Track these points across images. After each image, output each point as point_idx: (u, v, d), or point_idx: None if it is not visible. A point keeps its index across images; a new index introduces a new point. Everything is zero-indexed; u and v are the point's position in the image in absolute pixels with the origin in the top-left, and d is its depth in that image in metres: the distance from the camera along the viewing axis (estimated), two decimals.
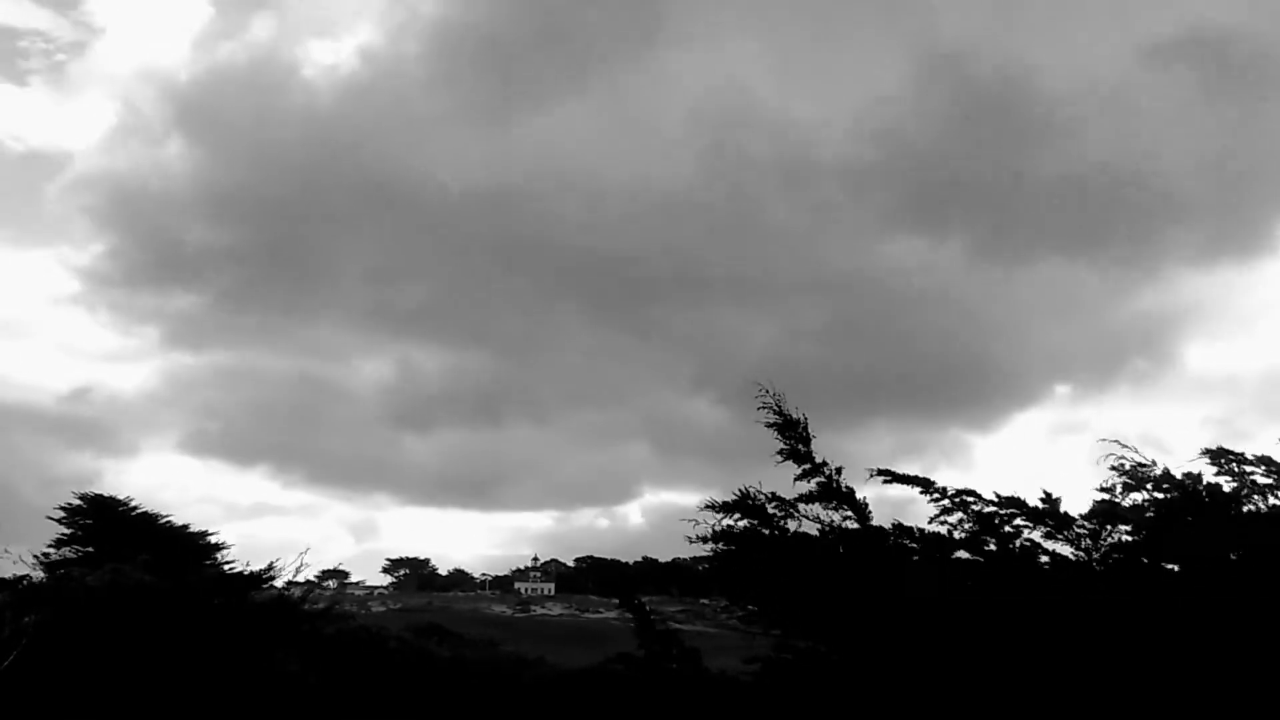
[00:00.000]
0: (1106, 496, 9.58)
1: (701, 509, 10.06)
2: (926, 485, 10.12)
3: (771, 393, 10.17)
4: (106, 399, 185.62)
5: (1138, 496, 9.53)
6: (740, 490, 9.99)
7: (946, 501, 10.04)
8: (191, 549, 20.15)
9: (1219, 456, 9.60)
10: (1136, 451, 9.64)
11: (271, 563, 18.07)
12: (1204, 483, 9.37)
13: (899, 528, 10.05)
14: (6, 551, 17.67)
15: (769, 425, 10.11)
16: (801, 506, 9.95)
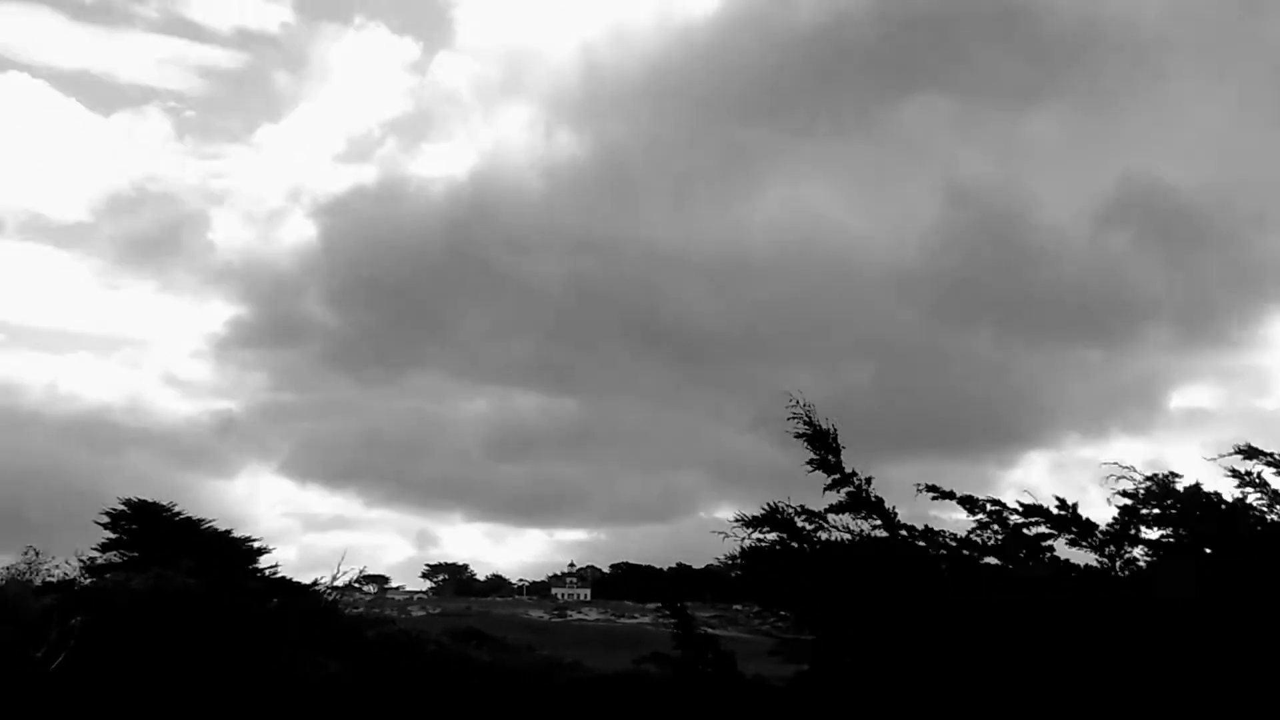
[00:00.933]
0: (1128, 502, 9.61)
1: (732, 523, 10.09)
2: (969, 502, 10.14)
3: (802, 404, 10.14)
4: (219, 429, 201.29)
5: (1152, 509, 9.57)
6: (768, 505, 9.98)
7: (981, 515, 10.08)
8: (235, 554, 20.35)
9: (1251, 455, 9.55)
10: (1136, 470, 9.74)
11: (317, 579, 18.29)
12: (1222, 497, 9.36)
13: (929, 534, 10.07)
14: (53, 559, 18.03)
15: (798, 436, 10.07)
16: (831, 517, 9.96)
